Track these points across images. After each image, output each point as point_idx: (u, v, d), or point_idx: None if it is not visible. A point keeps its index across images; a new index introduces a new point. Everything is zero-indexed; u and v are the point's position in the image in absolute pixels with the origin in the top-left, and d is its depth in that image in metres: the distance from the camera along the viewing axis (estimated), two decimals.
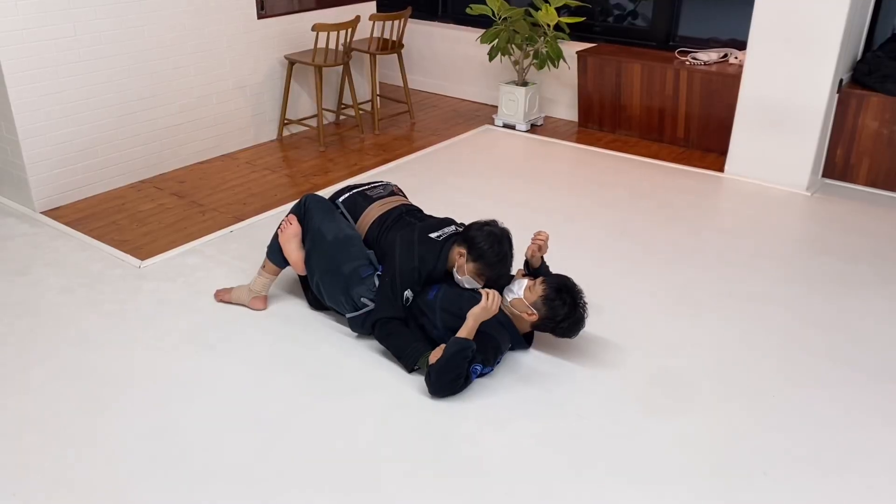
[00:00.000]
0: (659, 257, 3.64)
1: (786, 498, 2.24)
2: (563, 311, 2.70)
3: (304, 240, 3.00)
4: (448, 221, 3.03)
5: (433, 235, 2.89)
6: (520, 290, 2.77)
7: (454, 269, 2.83)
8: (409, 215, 3.08)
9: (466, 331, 2.60)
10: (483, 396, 2.64)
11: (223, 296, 3.17)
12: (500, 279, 2.82)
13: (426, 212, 3.21)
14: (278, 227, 3.05)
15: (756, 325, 3.11)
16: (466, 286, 2.83)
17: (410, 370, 2.72)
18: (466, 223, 2.95)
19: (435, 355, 2.61)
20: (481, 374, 2.68)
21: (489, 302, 2.60)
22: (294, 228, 3.00)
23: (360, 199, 3.13)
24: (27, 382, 2.68)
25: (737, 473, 2.33)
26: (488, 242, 2.77)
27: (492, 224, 2.84)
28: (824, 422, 2.56)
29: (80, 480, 2.25)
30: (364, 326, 2.85)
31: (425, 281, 2.82)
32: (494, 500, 2.21)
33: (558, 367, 2.81)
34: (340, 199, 3.15)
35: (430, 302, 2.79)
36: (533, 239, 2.98)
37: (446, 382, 2.57)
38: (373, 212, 3.07)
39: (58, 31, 3.88)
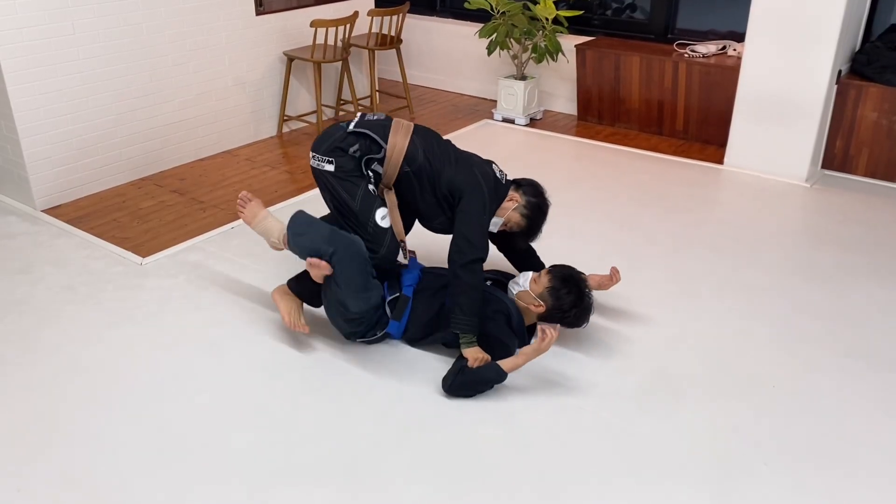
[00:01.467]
0: (658, 249, 3.65)
1: (786, 488, 2.25)
2: (569, 300, 2.71)
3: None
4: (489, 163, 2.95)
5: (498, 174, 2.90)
6: (525, 282, 2.78)
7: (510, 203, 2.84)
8: (432, 135, 2.91)
9: (510, 364, 2.58)
10: (482, 393, 2.65)
11: (251, 218, 2.85)
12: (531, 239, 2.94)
13: None
14: (311, 263, 2.72)
15: (756, 315, 3.12)
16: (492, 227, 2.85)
17: (455, 330, 2.64)
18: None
19: (474, 356, 2.60)
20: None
21: (544, 344, 2.51)
22: (327, 269, 2.69)
23: (373, 121, 2.82)
24: (30, 380, 2.69)
25: (736, 464, 2.34)
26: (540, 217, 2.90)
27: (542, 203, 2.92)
28: (824, 412, 2.57)
29: (83, 476, 2.27)
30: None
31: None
32: (498, 493, 2.23)
33: (559, 358, 2.82)
34: (353, 127, 2.80)
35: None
36: (612, 274, 2.99)
37: (465, 393, 2.60)
38: (399, 136, 2.77)
39: (57, 29, 3.88)
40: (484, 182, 2.76)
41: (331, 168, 2.75)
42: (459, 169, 2.77)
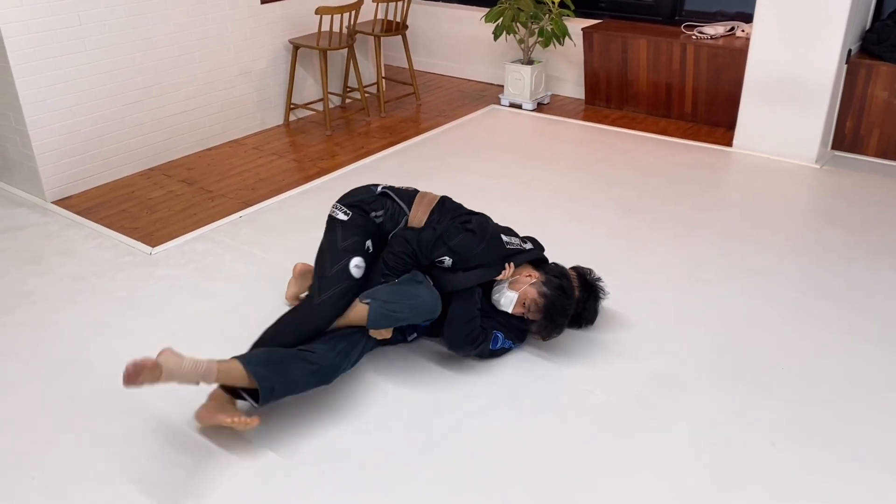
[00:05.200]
0: (667, 232, 3.64)
1: (793, 469, 2.25)
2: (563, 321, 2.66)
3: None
4: (518, 234, 2.81)
5: (504, 239, 2.70)
6: (509, 306, 2.66)
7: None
8: (454, 203, 2.86)
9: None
10: (492, 374, 2.66)
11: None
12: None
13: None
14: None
15: (764, 297, 3.11)
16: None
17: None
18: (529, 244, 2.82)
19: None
20: (503, 348, 2.71)
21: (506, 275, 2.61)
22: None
23: (401, 191, 2.84)
24: (42, 369, 2.72)
25: (744, 444, 2.34)
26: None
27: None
28: (832, 393, 2.56)
29: (96, 463, 2.29)
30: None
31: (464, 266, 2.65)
32: (503, 483, 2.24)
33: (569, 340, 2.82)
34: (382, 190, 2.80)
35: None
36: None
37: (463, 323, 2.54)
38: (420, 210, 2.76)
39: (63, 21, 3.89)
40: (487, 237, 2.65)
41: (343, 218, 2.71)
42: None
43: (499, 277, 2.65)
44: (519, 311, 2.64)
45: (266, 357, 2.37)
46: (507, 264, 2.65)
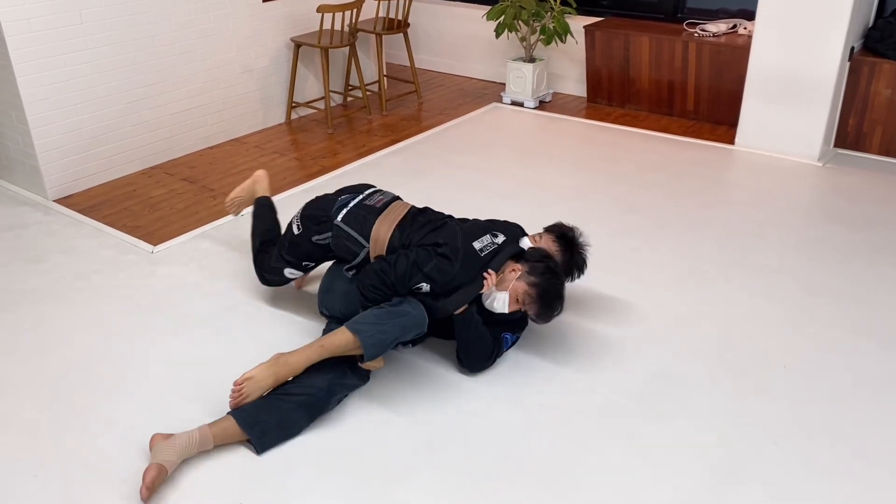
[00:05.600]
0: (669, 230, 3.64)
1: (795, 467, 2.25)
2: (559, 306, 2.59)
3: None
4: (487, 227, 2.71)
5: (477, 247, 2.60)
6: (503, 307, 2.59)
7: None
8: (424, 215, 2.77)
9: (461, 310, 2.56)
10: (492, 373, 2.66)
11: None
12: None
13: (434, 201, 3.11)
14: None
15: (767, 295, 3.10)
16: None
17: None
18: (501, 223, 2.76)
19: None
20: (514, 342, 2.74)
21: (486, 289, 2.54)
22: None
23: (363, 212, 2.75)
24: (44, 368, 2.72)
25: (746, 443, 2.34)
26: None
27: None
28: (834, 391, 2.56)
29: (98, 461, 2.29)
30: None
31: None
32: (504, 482, 2.24)
33: (570, 339, 2.82)
34: (339, 219, 2.74)
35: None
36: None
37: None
38: (383, 227, 2.69)
39: (64, 19, 3.89)
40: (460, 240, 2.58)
41: (296, 231, 2.84)
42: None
43: (483, 291, 2.56)
44: (515, 307, 2.58)
45: (255, 406, 2.36)
46: (485, 273, 2.55)
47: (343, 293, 2.72)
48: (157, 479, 2.15)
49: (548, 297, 2.54)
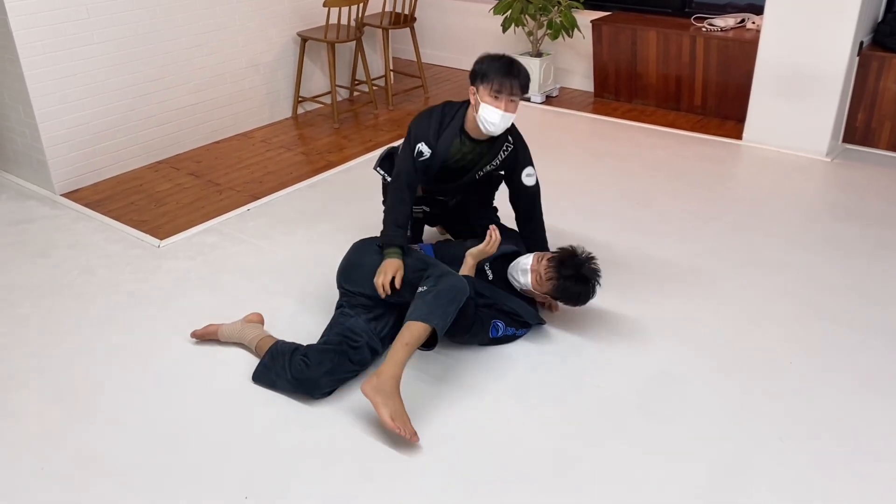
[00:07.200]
0: (676, 226, 3.62)
1: (801, 464, 2.24)
2: (575, 289, 2.69)
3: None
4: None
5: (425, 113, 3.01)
6: (526, 272, 2.75)
7: (473, 109, 2.98)
8: None
9: (466, 269, 2.74)
10: (497, 368, 2.66)
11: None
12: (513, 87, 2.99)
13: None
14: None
15: (774, 291, 3.09)
16: (486, 120, 2.96)
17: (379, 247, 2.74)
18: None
19: (384, 269, 2.63)
20: (507, 335, 2.73)
21: (489, 245, 2.75)
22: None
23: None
24: (51, 362, 2.73)
25: (752, 439, 2.33)
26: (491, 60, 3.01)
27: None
28: (841, 388, 2.55)
29: (104, 455, 2.30)
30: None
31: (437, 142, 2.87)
32: (509, 479, 2.24)
33: (574, 337, 2.81)
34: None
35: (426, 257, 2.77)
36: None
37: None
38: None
39: (71, 13, 3.90)
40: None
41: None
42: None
43: (486, 247, 2.76)
44: (535, 284, 2.74)
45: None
46: (489, 228, 2.77)
47: (372, 268, 2.70)
48: (208, 334, 2.77)
49: (570, 293, 2.72)
